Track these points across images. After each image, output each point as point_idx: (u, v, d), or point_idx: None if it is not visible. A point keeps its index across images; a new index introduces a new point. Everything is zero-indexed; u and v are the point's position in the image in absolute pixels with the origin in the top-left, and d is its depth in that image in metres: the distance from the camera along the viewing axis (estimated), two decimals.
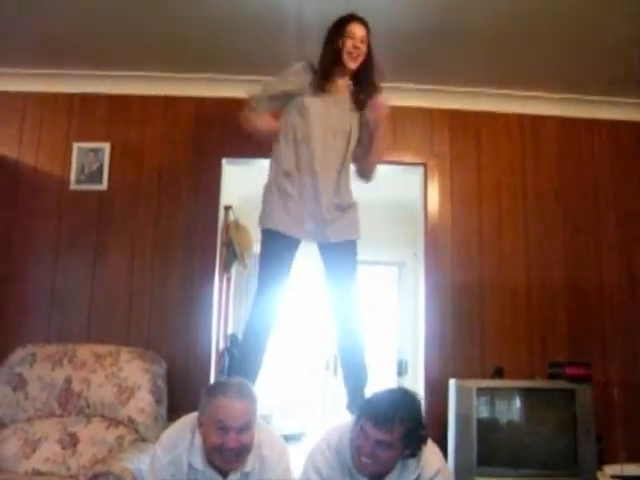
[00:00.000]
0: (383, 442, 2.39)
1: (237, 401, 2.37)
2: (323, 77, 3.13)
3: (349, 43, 3.08)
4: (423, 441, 2.49)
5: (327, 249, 3.14)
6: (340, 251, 3.12)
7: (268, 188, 3.17)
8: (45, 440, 3.38)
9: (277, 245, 3.08)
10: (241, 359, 3.17)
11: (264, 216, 3.14)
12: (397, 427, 2.38)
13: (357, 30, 3.10)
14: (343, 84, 3.22)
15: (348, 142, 3.16)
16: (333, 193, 3.10)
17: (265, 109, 3.24)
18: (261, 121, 3.23)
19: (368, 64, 3.18)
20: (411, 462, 2.52)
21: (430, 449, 2.63)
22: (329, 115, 3.13)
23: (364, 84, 3.21)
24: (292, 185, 3.08)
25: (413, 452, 2.47)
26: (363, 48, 3.11)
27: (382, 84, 3.24)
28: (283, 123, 3.19)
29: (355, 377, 3.10)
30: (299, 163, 3.09)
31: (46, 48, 4.05)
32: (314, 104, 3.11)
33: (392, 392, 2.56)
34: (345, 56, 3.10)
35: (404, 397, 2.50)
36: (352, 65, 3.13)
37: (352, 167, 3.30)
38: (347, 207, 3.16)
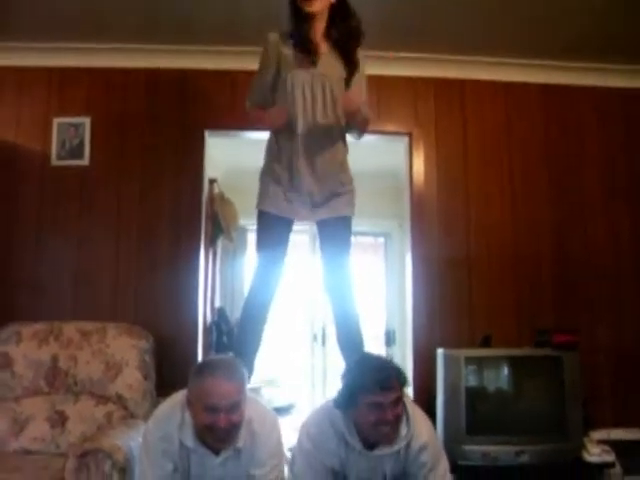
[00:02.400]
0: (396, 399, 2.45)
1: (226, 381, 2.35)
2: (297, 44, 2.95)
3: None
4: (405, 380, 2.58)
5: (322, 225, 3.12)
6: (334, 227, 3.08)
7: (263, 171, 3.14)
8: (33, 419, 3.37)
9: (270, 225, 3.06)
10: (240, 336, 3.16)
11: (259, 198, 3.11)
12: (396, 380, 2.47)
13: None
14: (323, 47, 2.99)
15: (333, 95, 2.99)
16: (327, 176, 3.03)
17: (266, 104, 3.08)
18: (269, 116, 3.04)
19: (339, 19, 2.96)
20: (403, 426, 2.55)
21: (421, 418, 2.67)
22: (314, 84, 2.97)
23: (339, 45, 2.99)
24: (283, 169, 3.02)
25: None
26: None
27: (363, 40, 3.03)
28: (278, 104, 3.06)
29: (352, 349, 3.08)
30: (289, 147, 3.01)
31: (23, 21, 3.95)
32: (293, 78, 2.96)
33: (368, 358, 2.65)
34: (299, 2, 2.87)
35: (373, 355, 2.69)
36: (308, 8, 2.87)
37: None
38: (342, 191, 3.08)
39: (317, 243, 3.25)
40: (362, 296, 6.65)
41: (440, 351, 3.76)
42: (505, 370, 3.79)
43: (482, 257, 4.28)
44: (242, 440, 2.45)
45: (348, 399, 2.50)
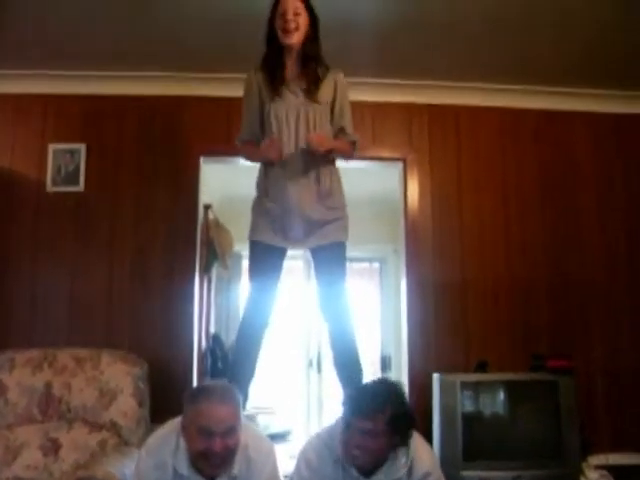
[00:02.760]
0: (370, 431, 2.39)
1: (220, 405, 2.34)
2: (270, 76, 3.00)
3: (279, 22, 2.91)
4: (410, 426, 2.49)
5: (316, 252, 3.11)
6: (329, 252, 3.07)
7: (254, 202, 3.15)
8: (26, 446, 3.33)
9: (262, 254, 3.07)
10: (234, 362, 3.15)
11: (251, 229, 3.13)
12: (380, 414, 2.39)
13: (288, 3, 2.90)
14: (295, 74, 3.03)
15: (316, 123, 3.02)
16: (316, 202, 3.02)
17: (255, 139, 3.11)
18: (261, 151, 3.01)
19: (309, 37, 2.97)
20: (402, 455, 2.51)
21: (421, 445, 2.63)
22: (292, 114, 2.99)
23: (310, 60, 3.01)
24: (273, 201, 3.03)
25: (402, 439, 2.47)
26: (299, 20, 2.91)
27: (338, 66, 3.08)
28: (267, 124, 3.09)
29: (349, 375, 3.07)
30: (277, 178, 3.02)
31: (19, 50, 3.99)
32: (276, 109, 3.00)
33: (372, 382, 2.60)
34: (279, 34, 2.93)
35: (383, 384, 2.55)
36: (286, 40, 2.93)
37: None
38: (334, 217, 3.07)
39: (312, 269, 3.24)
40: (358, 322, 6.68)
41: (436, 376, 3.75)
42: (501, 395, 3.78)
43: (477, 281, 4.28)
44: (237, 467, 2.42)
45: (343, 422, 2.50)
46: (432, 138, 4.45)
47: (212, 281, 5.19)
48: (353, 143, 3.16)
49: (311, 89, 3.01)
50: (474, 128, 4.48)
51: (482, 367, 3.89)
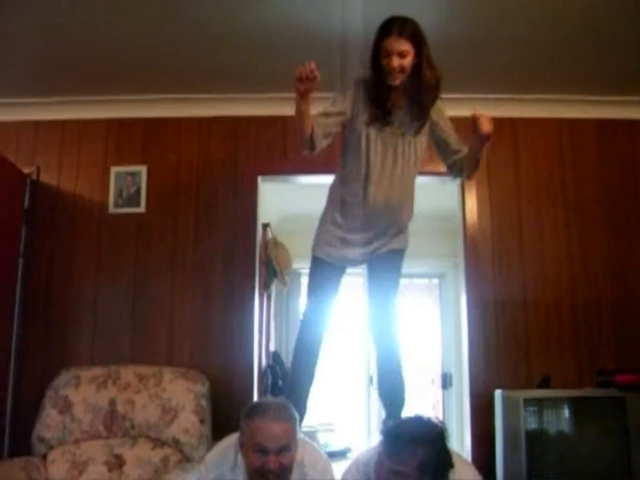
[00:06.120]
0: (397, 472, 2.31)
1: (275, 423, 2.35)
2: (376, 107, 2.89)
3: (385, 62, 2.77)
4: (443, 472, 2.36)
5: (373, 260, 3.09)
6: (383, 261, 3.05)
7: (323, 215, 3.13)
8: (92, 462, 3.41)
9: (322, 271, 3.06)
10: (292, 377, 3.15)
11: (315, 243, 3.11)
12: (411, 458, 2.27)
13: (393, 45, 2.74)
14: (400, 104, 2.92)
15: (410, 169, 2.97)
16: (388, 224, 3.01)
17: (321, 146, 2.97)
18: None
19: (416, 77, 2.83)
20: None
21: (463, 469, 2.55)
22: (387, 146, 2.92)
23: (415, 101, 2.90)
24: (344, 218, 3.02)
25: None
26: (404, 62, 2.76)
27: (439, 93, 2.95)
28: (342, 150, 3.04)
29: (390, 392, 3.05)
30: (355, 196, 2.97)
31: (82, 76, 4.13)
32: (370, 134, 2.91)
33: (412, 421, 2.46)
34: (386, 75, 2.81)
35: (422, 427, 2.38)
36: (392, 82, 2.81)
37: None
38: (399, 231, 3.07)
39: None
40: (417, 339, 6.63)
41: (498, 392, 3.69)
42: (566, 412, 3.68)
43: (538, 296, 4.18)
44: None
45: (377, 453, 2.45)
46: (490, 152, 4.38)
47: (271, 298, 5.23)
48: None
49: (413, 125, 2.94)
50: (532, 140, 4.40)
51: (545, 383, 3.80)
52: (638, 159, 4.40)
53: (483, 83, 4.23)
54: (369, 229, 2.99)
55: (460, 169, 3.07)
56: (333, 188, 3.13)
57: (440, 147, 3.06)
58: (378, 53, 2.80)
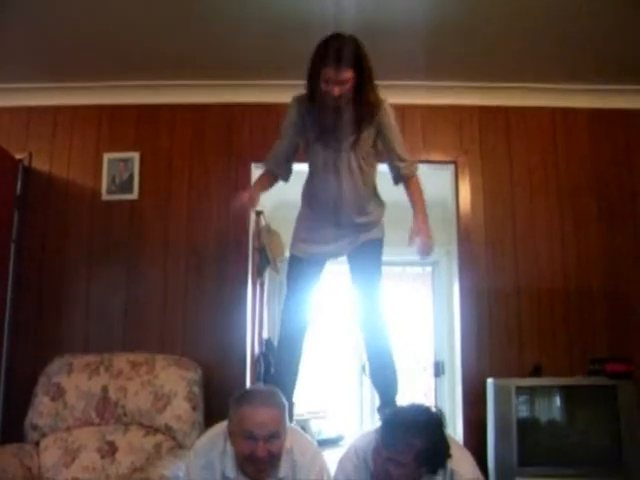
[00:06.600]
0: (396, 461, 2.34)
1: (264, 410, 2.36)
2: (318, 126, 2.94)
3: (324, 89, 2.74)
4: (441, 459, 2.40)
5: (351, 253, 3.15)
6: (361, 252, 3.11)
7: (298, 216, 3.23)
8: (84, 449, 3.41)
9: (297, 268, 3.15)
10: (277, 368, 3.22)
11: (292, 242, 3.20)
12: (408, 447, 2.32)
13: (333, 75, 2.70)
14: (339, 122, 2.92)
15: (362, 176, 3.02)
16: (355, 216, 3.07)
17: (276, 170, 3.17)
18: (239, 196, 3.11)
19: (357, 94, 2.82)
20: (439, 472, 2.44)
21: (461, 455, 2.58)
22: (331, 161, 2.97)
23: (360, 105, 2.86)
24: (314, 216, 3.12)
25: (432, 469, 2.40)
26: (345, 89, 2.74)
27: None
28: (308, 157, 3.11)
29: (383, 379, 3.08)
30: (319, 196, 3.08)
31: (75, 62, 4.10)
32: (318, 150, 2.99)
33: (410, 410, 2.48)
34: (325, 98, 2.79)
35: (421, 416, 2.41)
36: (334, 103, 2.80)
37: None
38: (370, 225, 3.12)
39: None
40: (409, 327, 6.64)
41: (490, 381, 3.70)
42: (557, 400, 3.71)
43: (531, 284, 4.19)
44: (283, 471, 2.44)
45: (375, 440, 2.47)
46: (483, 140, 4.40)
47: (264, 286, 5.22)
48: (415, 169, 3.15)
49: (355, 136, 2.94)
50: (525, 129, 4.40)
51: (537, 372, 3.82)
52: (631, 148, 4.40)
53: (475, 71, 4.22)
54: (340, 226, 3.06)
55: (397, 180, 3.14)
56: (304, 186, 3.21)
57: (385, 147, 3.06)
58: (317, 76, 2.76)
